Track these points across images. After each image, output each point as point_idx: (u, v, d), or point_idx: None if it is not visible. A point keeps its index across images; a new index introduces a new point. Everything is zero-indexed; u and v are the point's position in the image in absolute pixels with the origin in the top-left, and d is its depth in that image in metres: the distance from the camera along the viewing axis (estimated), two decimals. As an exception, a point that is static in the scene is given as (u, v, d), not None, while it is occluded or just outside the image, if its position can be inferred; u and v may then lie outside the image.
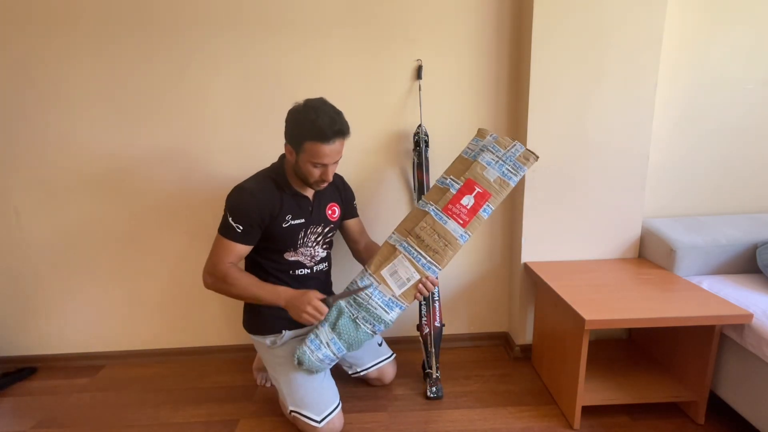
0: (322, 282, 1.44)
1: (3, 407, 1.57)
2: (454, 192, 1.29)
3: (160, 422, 1.45)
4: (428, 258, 1.27)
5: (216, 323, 1.81)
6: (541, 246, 1.62)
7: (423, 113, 1.58)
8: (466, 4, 1.52)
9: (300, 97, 1.56)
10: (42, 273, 1.73)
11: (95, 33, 1.51)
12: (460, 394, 1.54)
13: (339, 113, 1.19)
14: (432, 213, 1.29)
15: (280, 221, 1.26)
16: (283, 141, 1.24)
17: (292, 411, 1.28)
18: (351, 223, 1.49)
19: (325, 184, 1.26)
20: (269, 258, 1.33)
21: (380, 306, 1.26)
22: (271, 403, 1.50)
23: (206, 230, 1.68)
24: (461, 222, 1.27)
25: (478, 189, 1.28)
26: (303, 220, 1.30)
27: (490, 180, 1.28)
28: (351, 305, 1.27)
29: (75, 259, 1.71)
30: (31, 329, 1.80)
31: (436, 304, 1.56)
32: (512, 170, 1.28)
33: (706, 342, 1.27)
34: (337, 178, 1.44)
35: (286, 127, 1.21)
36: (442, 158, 1.64)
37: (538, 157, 1.28)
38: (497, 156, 1.30)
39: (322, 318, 1.22)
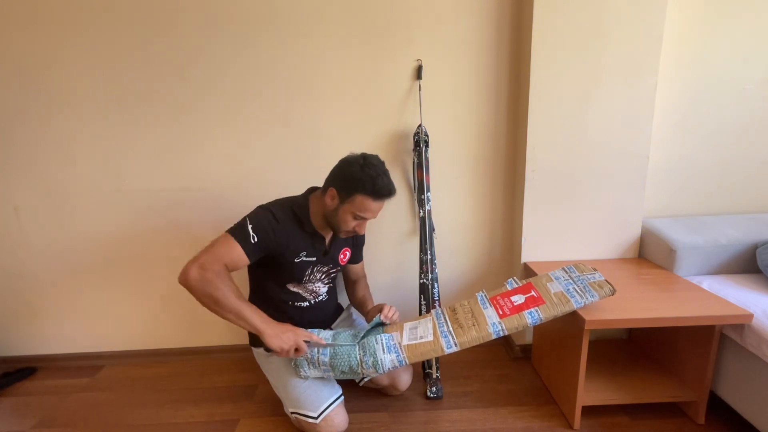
0: (323, 312, 1.44)
1: (3, 407, 1.57)
2: (509, 288, 1.28)
3: (160, 422, 1.45)
4: (450, 328, 1.21)
5: (216, 323, 1.78)
6: (540, 246, 1.62)
7: (423, 113, 1.58)
8: (466, 4, 1.52)
9: (300, 97, 1.58)
10: (42, 273, 1.72)
11: (99, 36, 1.50)
12: (460, 394, 1.54)
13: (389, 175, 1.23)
14: (478, 297, 1.28)
15: (293, 255, 1.25)
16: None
17: (292, 413, 1.28)
18: (354, 267, 1.52)
19: (351, 234, 1.29)
20: (272, 287, 1.32)
21: (382, 342, 1.22)
22: (271, 403, 1.50)
23: (206, 228, 1.69)
24: (500, 313, 1.20)
25: (533, 293, 1.23)
26: (314, 259, 1.30)
27: (550, 291, 1.23)
28: (367, 334, 1.26)
29: (75, 260, 1.71)
30: (31, 329, 1.80)
31: (436, 304, 1.56)
32: (579, 291, 1.21)
33: (706, 342, 1.27)
34: None
35: (338, 174, 1.21)
36: (442, 158, 1.65)
37: (614, 291, 1.19)
38: (569, 275, 1.27)
39: (298, 355, 1.18)
